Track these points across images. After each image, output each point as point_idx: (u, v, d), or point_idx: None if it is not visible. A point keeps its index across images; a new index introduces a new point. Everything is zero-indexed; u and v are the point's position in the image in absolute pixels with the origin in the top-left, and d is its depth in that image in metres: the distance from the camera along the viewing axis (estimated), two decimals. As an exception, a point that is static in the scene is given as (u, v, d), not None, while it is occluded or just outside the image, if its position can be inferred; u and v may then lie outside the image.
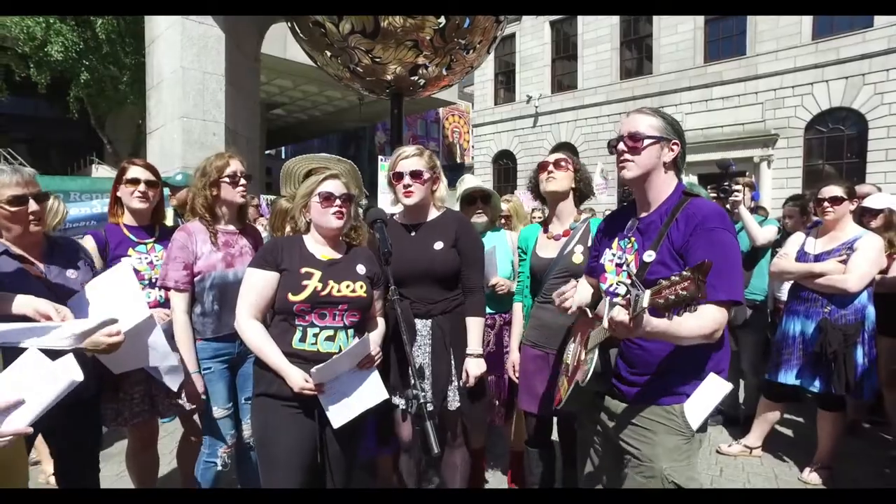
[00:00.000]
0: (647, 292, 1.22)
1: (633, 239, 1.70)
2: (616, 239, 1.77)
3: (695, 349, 1.51)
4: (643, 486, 1.58)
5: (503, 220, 6.16)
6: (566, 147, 21.72)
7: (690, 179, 18.64)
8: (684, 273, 1.20)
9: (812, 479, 3.08)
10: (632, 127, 1.62)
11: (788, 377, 3.05)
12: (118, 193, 2.39)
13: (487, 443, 3.03)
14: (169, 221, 3.88)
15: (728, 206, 3.60)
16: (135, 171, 2.35)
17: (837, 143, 15.76)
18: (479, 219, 2.96)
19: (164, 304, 2.37)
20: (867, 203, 3.45)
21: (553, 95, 21.04)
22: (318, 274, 1.88)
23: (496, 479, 3.11)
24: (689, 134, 18.40)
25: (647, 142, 1.59)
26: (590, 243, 2.30)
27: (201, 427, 2.41)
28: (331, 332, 1.89)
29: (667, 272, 1.50)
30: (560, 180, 2.35)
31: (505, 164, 24.27)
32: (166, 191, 3.52)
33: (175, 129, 5.31)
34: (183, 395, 2.22)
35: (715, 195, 3.71)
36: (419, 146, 2.37)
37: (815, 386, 2.98)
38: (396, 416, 2.30)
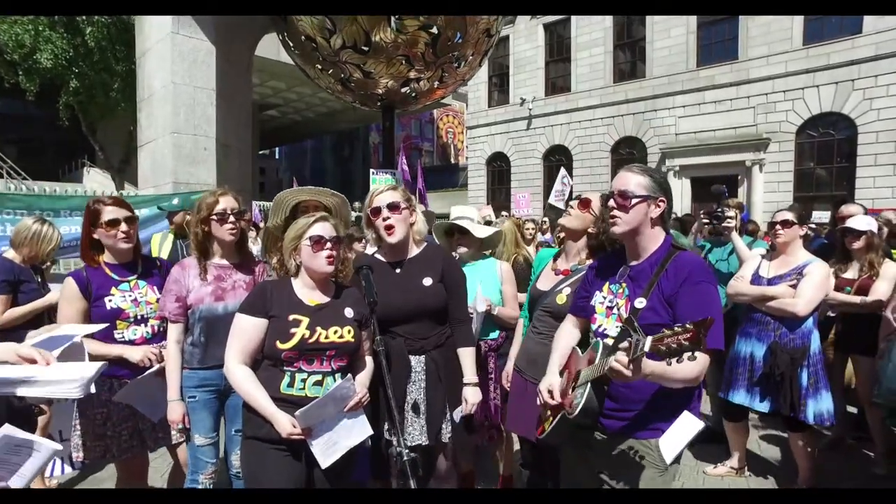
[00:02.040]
0: (649, 338, 1.33)
1: (623, 285, 1.79)
2: (607, 283, 1.85)
3: (672, 388, 1.61)
4: None
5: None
6: (559, 150, 21.79)
7: (683, 183, 18.80)
8: (688, 325, 1.30)
9: (795, 500, 3.14)
10: (621, 185, 1.73)
11: (738, 397, 3.17)
12: (94, 236, 2.34)
13: (476, 466, 3.07)
14: (168, 245, 3.89)
15: (722, 231, 3.76)
16: (111, 213, 2.31)
17: (828, 148, 15.91)
18: (461, 249, 2.97)
19: (152, 339, 2.41)
20: (851, 224, 3.52)
21: (547, 98, 21.08)
22: (305, 321, 1.90)
23: None
24: (681, 138, 18.56)
25: (634, 200, 1.69)
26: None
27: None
28: (319, 377, 1.92)
29: (657, 318, 1.65)
30: (574, 219, 2.38)
31: (499, 166, 24.30)
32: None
33: (166, 145, 5.30)
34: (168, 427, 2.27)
35: (708, 221, 3.81)
36: (391, 184, 2.40)
37: (763, 406, 3.10)
38: (390, 451, 2.32)
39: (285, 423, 1.81)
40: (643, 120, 18.95)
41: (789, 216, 3.18)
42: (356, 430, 1.98)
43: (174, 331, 2.30)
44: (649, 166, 1.80)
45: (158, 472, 3.16)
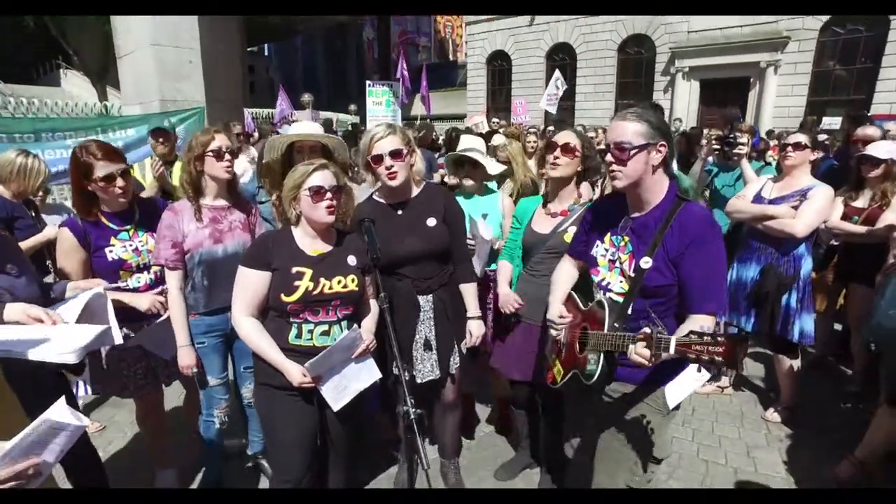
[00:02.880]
0: (673, 340, 1.31)
1: (626, 238, 1.73)
2: (609, 233, 1.80)
3: None
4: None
5: (501, 153, 6.02)
6: (563, 49, 20.50)
7: (692, 85, 17.94)
8: (720, 338, 1.24)
9: (773, 417, 3.37)
10: (617, 136, 1.62)
11: (735, 318, 3.29)
12: (89, 188, 2.21)
13: (474, 390, 3.25)
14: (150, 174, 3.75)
15: (732, 157, 3.72)
16: (105, 168, 2.16)
17: (853, 46, 15.01)
18: (467, 182, 2.93)
19: (154, 285, 2.41)
20: (869, 151, 3.37)
21: (553, -11, 19.43)
22: (308, 272, 1.89)
23: (485, 424, 3.36)
24: (693, 36, 17.39)
25: (633, 151, 1.59)
26: None
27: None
28: (325, 327, 1.95)
29: (661, 279, 1.62)
30: (565, 167, 2.29)
31: (499, 65, 23.03)
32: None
33: (147, 59, 4.94)
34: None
35: (719, 147, 3.70)
36: (388, 124, 2.28)
37: (748, 324, 3.25)
38: (396, 410, 2.44)
39: (296, 373, 1.87)
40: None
41: (802, 139, 3.11)
42: (364, 375, 2.06)
43: (173, 278, 2.29)
44: (643, 109, 1.65)
45: (173, 399, 3.32)
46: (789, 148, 3.11)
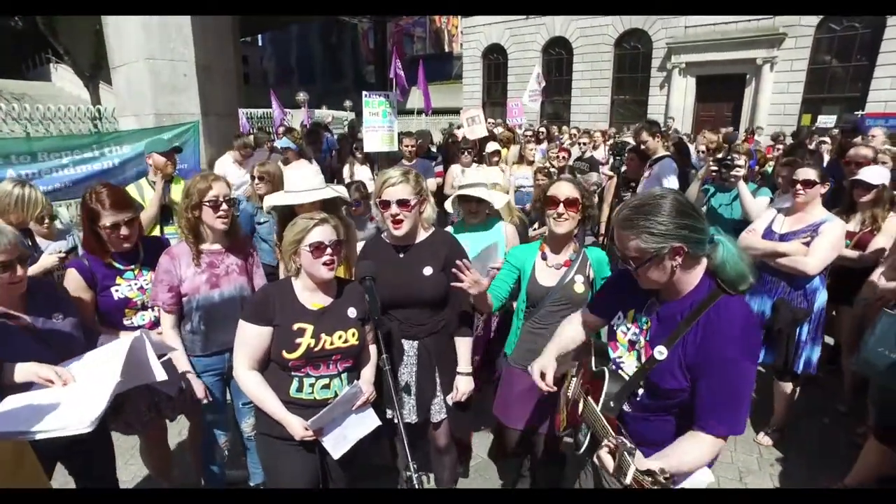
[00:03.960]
0: (632, 471, 1.23)
1: (649, 322, 1.57)
2: (633, 310, 1.65)
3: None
4: None
5: (495, 158, 6.02)
6: (560, 43, 20.38)
7: (689, 81, 17.91)
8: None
9: (765, 440, 3.44)
10: (622, 248, 1.49)
11: None
12: (97, 230, 2.27)
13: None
14: (149, 191, 3.71)
15: (729, 178, 3.74)
16: (111, 217, 2.23)
17: (849, 43, 15.01)
18: (474, 219, 2.99)
19: (158, 323, 2.43)
20: (862, 176, 3.41)
21: (550, -18, 19.27)
22: (310, 329, 1.91)
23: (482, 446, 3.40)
24: (690, 31, 17.32)
25: (645, 264, 1.43)
26: (588, 273, 2.34)
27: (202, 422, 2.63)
28: (326, 381, 1.98)
29: (673, 383, 1.46)
30: (571, 222, 2.28)
31: (495, 59, 22.88)
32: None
33: (141, 72, 4.89)
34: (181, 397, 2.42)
35: (716, 169, 3.73)
36: (405, 169, 2.27)
37: (760, 357, 3.20)
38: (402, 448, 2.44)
39: (297, 427, 1.91)
40: (653, 10, 17.53)
41: (812, 175, 3.05)
42: (364, 423, 2.09)
43: (168, 319, 2.34)
44: (646, 207, 1.43)
45: (173, 435, 3.35)
46: (798, 186, 3.07)
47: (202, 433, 2.61)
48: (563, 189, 2.28)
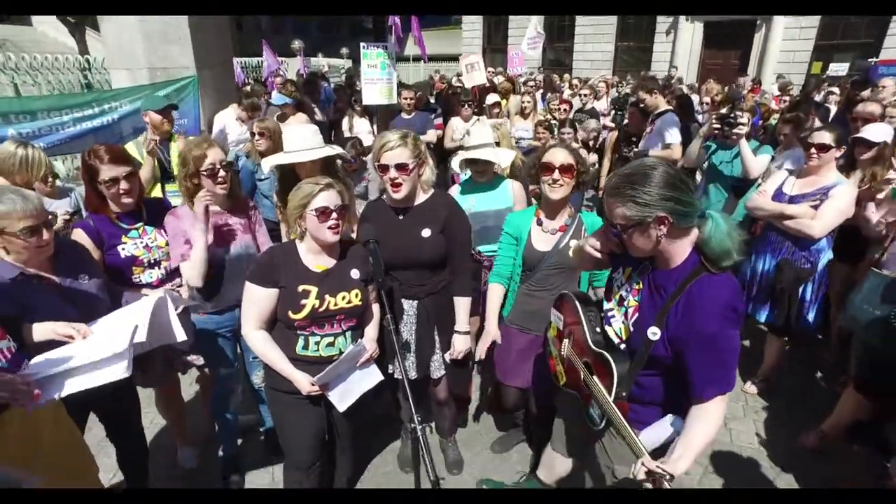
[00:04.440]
0: (642, 464, 1.38)
1: (641, 284, 1.63)
2: (630, 269, 1.69)
3: (673, 394, 1.60)
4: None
5: (495, 110, 5.95)
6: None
7: (696, 27, 17.25)
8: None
9: (750, 389, 3.60)
10: (611, 216, 1.54)
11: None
12: (98, 187, 2.31)
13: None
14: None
15: (731, 136, 3.71)
16: (109, 172, 2.26)
17: (864, -15, 14.31)
18: (482, 178, 3.02)
19: (165, 280, 2.52)
20: (863, 133, 3.38)
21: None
22: (314, 290, 1.97)
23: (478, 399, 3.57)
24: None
25: (630, 230, 1.48)
26: (582, 237, 2.36)
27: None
28: (331, 339, 2.06)
29: (662, 352, 1.52)
30: (566, 188, 2.30)
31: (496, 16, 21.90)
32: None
33: (131, 23, 4.72)
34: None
35: (719, 127, 3.70)
36: (402, 132, 2.27)
37: (762, 316, 3.37)
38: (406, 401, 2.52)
39: (304, 383, 2.01)
40: (662, -51, 16.68)
41: (827, 139, 3.02)
42: (368, 378, 2.20)
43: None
44: (635, 177, 1.45)
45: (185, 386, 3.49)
46: (813, 149, 3.04)
47: (214, 386, 2.73)
48: (558, 155, 2.29)
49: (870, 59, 12.99)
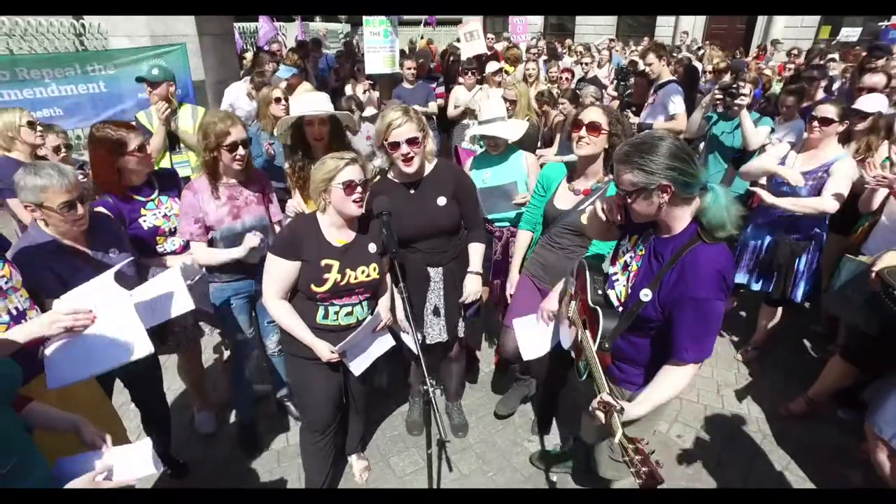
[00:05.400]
0: (619, 433, 1.45)
1: (643, 251, 1.71)
2: (636, 237, 1.78)
3: (660, 360, 1.69)
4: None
5: (497, 78, 5.91)
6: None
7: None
8: (652, 464, 1.34)
9: (743, 357, 3.75)
10: (619, 181, 1.62)
11: (738, 277, 3.52)
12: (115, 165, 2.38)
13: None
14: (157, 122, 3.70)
15: (732, 107, 3.75)
16: (136, 140, 2.36)
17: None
18: (495, 151, 3.09)
19: (188, 246, 2.58)
20: (858, 105, 3.40)
21: None
22: (336, 265, 2.06)
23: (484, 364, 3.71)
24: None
25: (634, 195, 1.58)
26: None
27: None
28: (349, 309, 2.17)
29: (649, 314, 1.64)
30: (592, 146, 2.31)
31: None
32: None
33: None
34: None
35: (721, 97, 3.72)
36: (403, 107, 2.33)
37: (758, 286, 3.50)
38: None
39: (324, 351, 2.12)
40: None
41: (831, 113, 3.03)
42: (382, 344, 2.34)
43: (200, 247, 2.48)
44: (644, 146, 1.54)
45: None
46: (816, 123, 3.04)
47: (232, 351, 2.85)
48: (588, 114, 2.32)
49: (880, 24, 12.67)
